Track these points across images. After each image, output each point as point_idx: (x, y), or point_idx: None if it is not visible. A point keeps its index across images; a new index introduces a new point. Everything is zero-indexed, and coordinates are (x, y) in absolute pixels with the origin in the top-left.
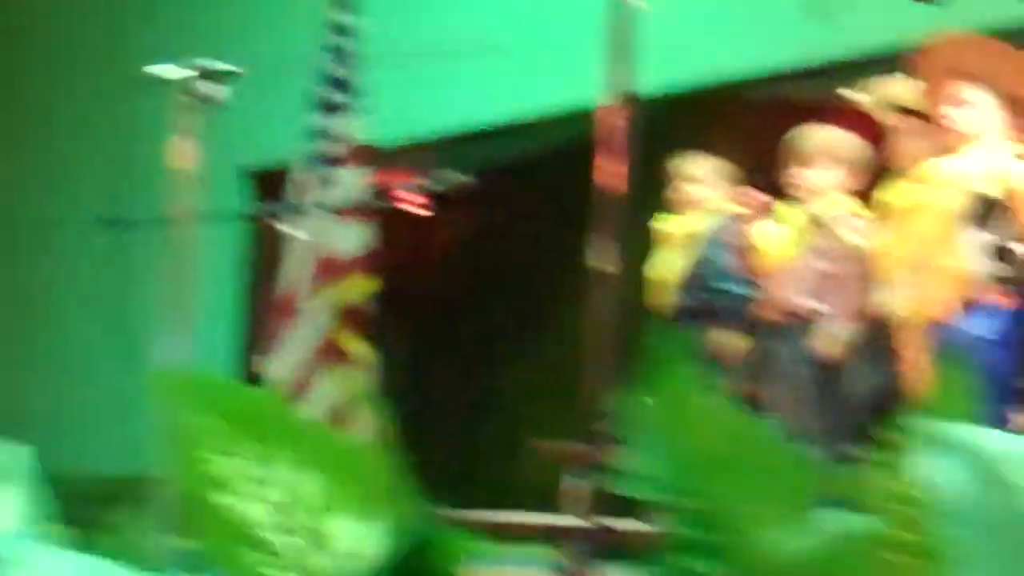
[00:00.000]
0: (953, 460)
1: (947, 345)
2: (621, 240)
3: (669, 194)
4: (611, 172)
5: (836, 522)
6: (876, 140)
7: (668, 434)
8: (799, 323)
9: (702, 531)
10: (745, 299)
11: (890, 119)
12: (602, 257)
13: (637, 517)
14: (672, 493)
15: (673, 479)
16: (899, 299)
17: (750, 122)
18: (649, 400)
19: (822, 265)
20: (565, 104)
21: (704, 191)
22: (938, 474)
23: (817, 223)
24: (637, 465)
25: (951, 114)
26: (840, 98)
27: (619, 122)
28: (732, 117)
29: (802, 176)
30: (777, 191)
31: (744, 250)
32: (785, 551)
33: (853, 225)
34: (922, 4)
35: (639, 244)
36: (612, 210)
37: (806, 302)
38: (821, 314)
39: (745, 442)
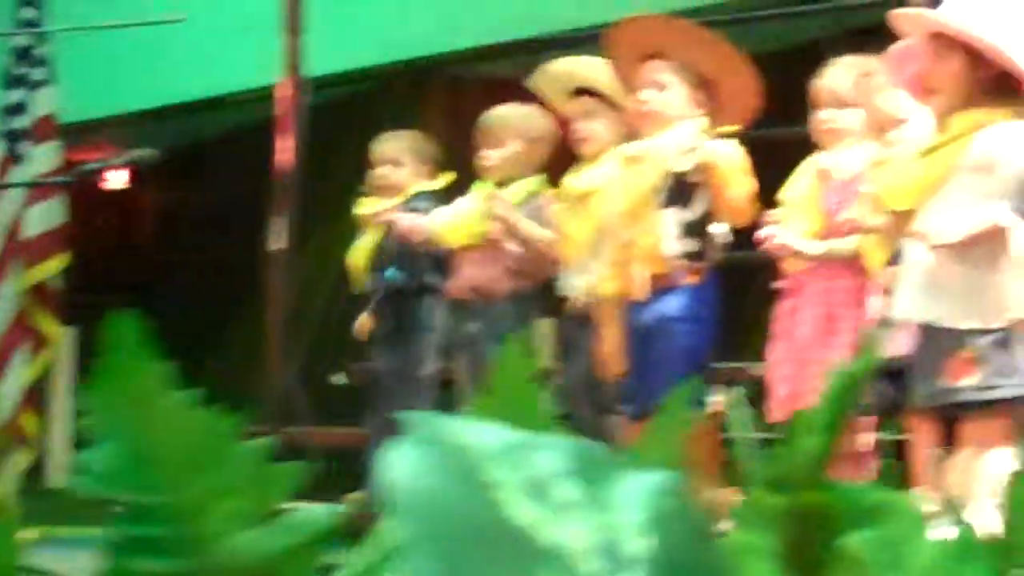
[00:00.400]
0: (423, 451)
1: (639, 324)
2: (296, 220)
3: (369, 176)
4: (286, 152)
5: (303, 517)
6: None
7: (124, 428)
8: (487, 301)
9: (157, 529)
10: (401, 282)
11: (572, 99)
12: (277, 238)
13: None
14: (128, 490)
15: (129, 476)
16: (588, 279)
17: (456, 100)
18: (105, 393)
19: (507, 244)
20: (257, 82)
21: (401, 172)
22: (401, 466)
23: (499, 202)
24: (94, 461)
25: (644, 95)
26: (527, 82)
27: (295, 101)
28: (438, 95)
29: (489, 156)
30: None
31: (436, 230)
32: (245, 549)
33: (537, 205)
34: None
35: (338, 227)
36: (286, 191)
37: (497, 281)
38: (512, 292)
39: (205, 438)
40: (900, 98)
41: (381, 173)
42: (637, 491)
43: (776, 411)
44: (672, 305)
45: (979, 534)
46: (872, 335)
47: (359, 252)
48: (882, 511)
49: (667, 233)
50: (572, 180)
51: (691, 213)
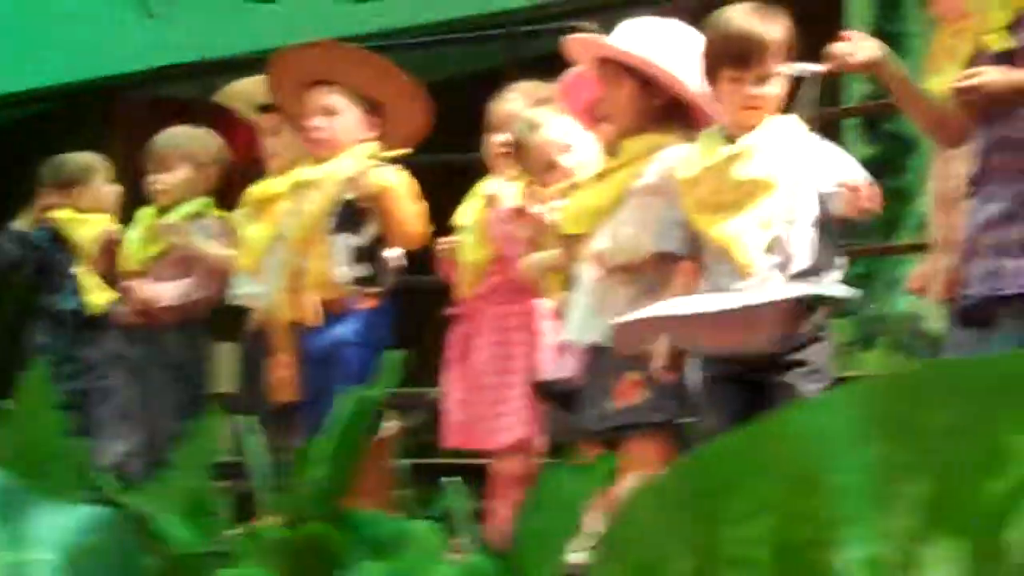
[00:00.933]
0: None
1: (313, 350)
2: None
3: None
4: None
5: None
6: (248, 141)
7: None
8: (154, 326)
9: None
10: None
11: (255, 119)
12: None
13: None
14: None
15: None
16: (262, 300)
17: (134, 121)
18: None
19: (171, 265)
20: None
21: (86, 192)
22: None
23: (167, 225)
24: None
25: (315, 121)
26: (215, 98)
27: None
28: (117, 116)
29: (158, 181)
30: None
31: (106, 252)
32: None
33: (203, 227)
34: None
35: None
36: None
37: (159, 302)
38: (182, 317)
39: None
40: (566, 124)
41: (50, 193)
42: (53, 529)
43: (451, 437)
44: (345, 330)
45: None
46: (388, 363)
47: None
48: (399, 541)
49: (339, 259)
50: (251, 196)
51: (362, 238)
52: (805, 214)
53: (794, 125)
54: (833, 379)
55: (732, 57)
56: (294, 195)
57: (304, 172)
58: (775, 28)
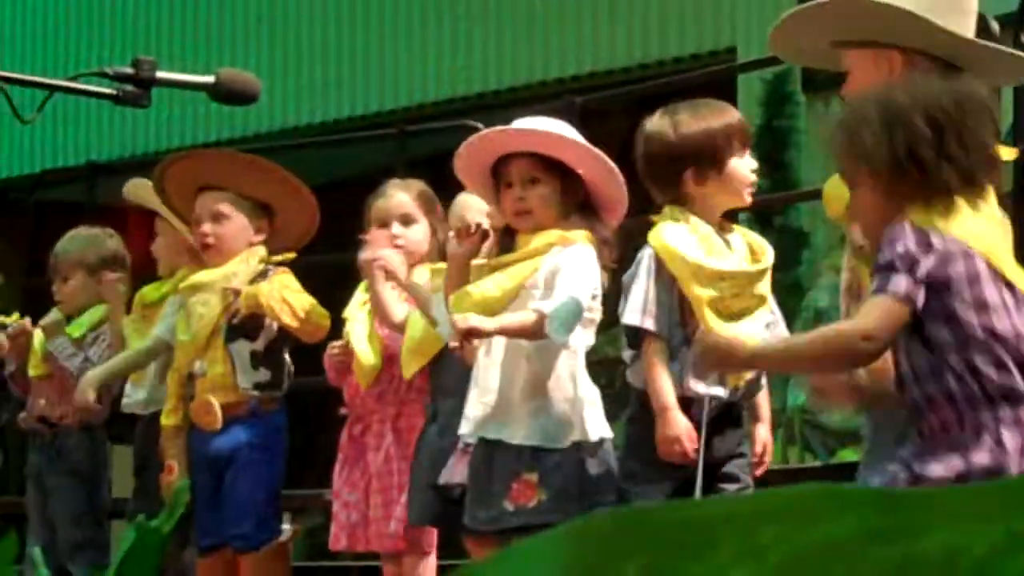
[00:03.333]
0: None
1: (210, 454)
2: None
3: None
4: None
5: None
6: (139, 242)
7: None
8: (55, 431)
9: None
10: None
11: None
12: None
13: None
14: None
15: None
16: (149, 405)
17: (17, 225)
18: None
19: (63, 370)
20: None
21: None
22: None
23: (51, 329)
24: None
25: (204, 227)
26: (123, 195)
27: None
28: (20, 218)
29: (58, 290)
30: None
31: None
32: None
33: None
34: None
35: None
36: None
37: (53, 412)
38: (82, 422)
39: None
40: (472, 207)
41: None
42: None
43: (341, 538)
44: (245, 434)
45: None
46: (179, 492)
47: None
48: None
49: (237, 364)
50: (145, 291)
51: (259, 343)
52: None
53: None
54: None
55: (742, 144)
56: (185, 299)
57: (194, 278)
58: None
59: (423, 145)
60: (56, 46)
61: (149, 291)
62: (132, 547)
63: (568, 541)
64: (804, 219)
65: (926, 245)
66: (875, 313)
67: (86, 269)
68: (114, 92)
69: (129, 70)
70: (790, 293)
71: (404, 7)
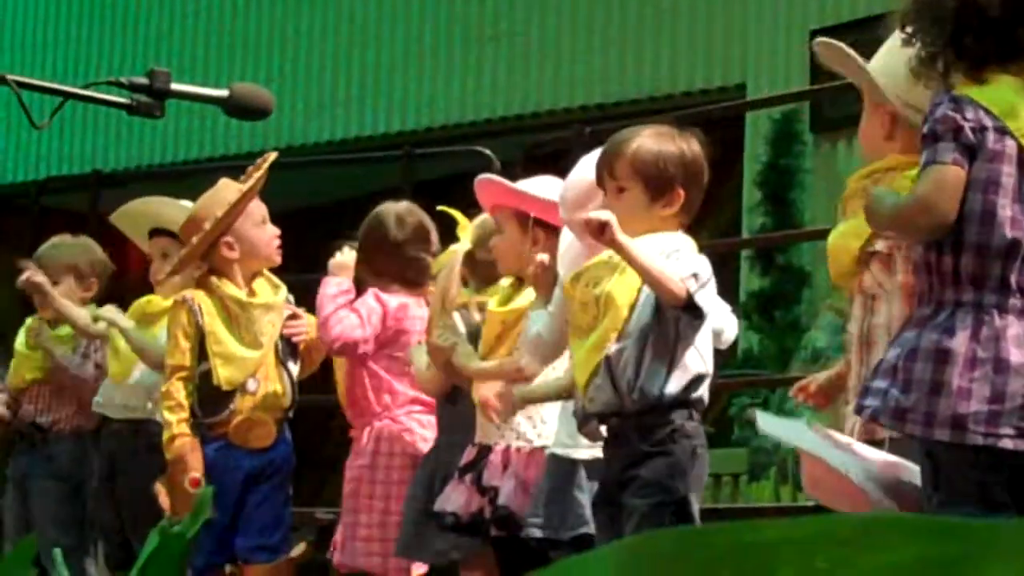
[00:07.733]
0: None
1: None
2: None
3: None
4: None
5: None
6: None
7: None
8: (44, 437)
9: None
10: None
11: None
12: None
13: None
14: None
15: None
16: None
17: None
18: None
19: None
20: None
21: None
22: None
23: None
24: None
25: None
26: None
27: None
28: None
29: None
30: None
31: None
32: None
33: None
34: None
35: None
36: None
37: (39, 416)
38: (73, 428)
39: None
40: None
41: None
42: None
43: (340, 558)
44: (282, 451)
45: None
46: (203, 500)
47: None
48: None
49: (288, 384)
50: (141, 302)
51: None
52: None
53: None
54: (677, 495)
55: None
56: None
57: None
58: None
59: (431, 168)
60: (72, 54)
61: (144, 303)
62: (154, 551)
63: (621, 558)
64: (806, 258)
65: (964, 113)
66: (928, 183)
67: (72, 273)
68: (128, 102)
69: (144, 80)
70: (789, 331)
71: (416, 31)
